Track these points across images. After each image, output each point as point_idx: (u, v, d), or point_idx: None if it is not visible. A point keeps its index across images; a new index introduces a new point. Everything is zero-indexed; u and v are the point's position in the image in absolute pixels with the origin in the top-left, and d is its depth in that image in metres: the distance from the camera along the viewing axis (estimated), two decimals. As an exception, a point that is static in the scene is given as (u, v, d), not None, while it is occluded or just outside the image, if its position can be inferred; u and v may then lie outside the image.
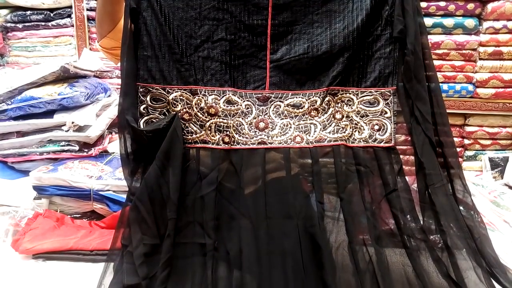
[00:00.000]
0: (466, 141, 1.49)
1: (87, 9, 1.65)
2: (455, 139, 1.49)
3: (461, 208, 0.81)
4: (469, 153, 1.50)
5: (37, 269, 0.90)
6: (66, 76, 1.38)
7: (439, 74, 1.42)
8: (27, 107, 1.25)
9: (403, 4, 0.80)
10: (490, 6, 1.38)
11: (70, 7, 1.66)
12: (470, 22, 1.40)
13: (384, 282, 0.72)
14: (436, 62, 1.42)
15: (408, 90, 0.81)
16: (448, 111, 1.43)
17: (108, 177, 1.12)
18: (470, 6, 1.39)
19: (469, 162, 1.49)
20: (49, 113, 1.28)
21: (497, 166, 1.42)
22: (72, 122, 1.25)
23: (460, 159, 1.50)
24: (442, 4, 1.39)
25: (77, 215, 1.12)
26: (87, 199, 1.11)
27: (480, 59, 1.42)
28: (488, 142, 1.48)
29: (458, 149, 1.49)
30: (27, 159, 1.26)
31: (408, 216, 0.80)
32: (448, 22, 1.40)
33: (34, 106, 1.26)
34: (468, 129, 1.48)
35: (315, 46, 0.82)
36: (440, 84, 1.42)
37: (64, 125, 1.27)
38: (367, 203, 0.80)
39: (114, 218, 1.04)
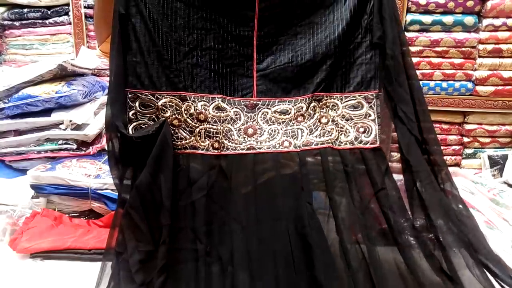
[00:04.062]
0: (465, 139, 1.49)
1: (85, 7, 1.64)
2: (455, 137, 1.48)
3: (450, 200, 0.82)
4: (468, 151, 1.49)
5: (35, 268, 0.90)
6: (63, 74, 1.37)
7: (438, 72, 1.42)
8: (24, 106, 1.24)
9: (381, 12, 0.83)
10: (489, 4, 1.37)
11: (68, 4, 1.64)
12: (469, 20, 1.39)
13: (377, 278, 0.72)
14: (435, 60, 1.42)
15: (390, 92, 0.84)
16: (447, 109, 1.45)
17: (106, 176, 1.12)
18: (470, 3, 1.39)
19: (468, 160, 1.49)
20: (46, 112, 1.27)
21: (496, 164, 1.41)
22: (70, 121, 1.25)
23: (459, 157, 1.50)
24: (442, 1, 1.39)
25: (75, 214, 1.12)
26: (85, 198, 1.10)
27: (480, 56, 1.42)
28: (487, 140, 1.48)
29: (457, 147, 1.49)
30: (24, 158, 1.26)
31: (398, 214, 0.81)
32: (448, 19, 1.40)
33: (32, 105, 1.25)
34: (467, 127, 1.47)
35: (299, 56, 0.85)
36: (440, 82, 1.43)
37: (62, 123, 1.26)
38: (356, 202, 0.82)
39: (112, 217, 1.04)
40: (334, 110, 0.87)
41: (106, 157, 1.28)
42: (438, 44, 1.40)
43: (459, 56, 1.42)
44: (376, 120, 0.87)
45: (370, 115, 0.87)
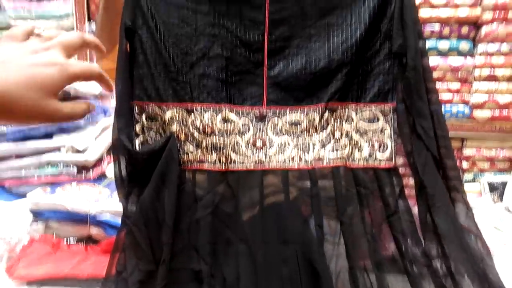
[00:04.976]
0: (465, 164, 1.49)
1: (89, 32, 1.68)
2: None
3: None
4: (467, 176, 1.49)
5: (31, 296, 0.89)
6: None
7: (435, 97, 1.44)
8: (26, 130, 1.26)
9: (402, 16, 0.77)
10: (483, 30, 1.40)
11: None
12: (464, 45, 1.42)
13: None
14: (432, 85, 1.44)
15: (409, 106, 0.79)
16: (445, 134, 1.46)
17: (106, 201, 1.12)
18: (464, 29, 1.42)
19: (467, 185, 1.49)
20: (48, 136, 1.29)
21: (496, 189, 1.41)
22: (71, 146, 1.26)
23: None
24: (437, 28, 1.42)
25: (73, 240, 1.11)
26: (84, 223, 1.10)
27: (476, 81, 1.44)
28: (486, 165, 1.48)
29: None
30: (24, 182, 1.26)
31: (410, 240, 0.78)
32: (443, 45, 1.43)
33: (34, 128, 1.26)
34: (465, 152, 1.48)
35: (313, 62, 0.80)
36: (437, 107, 1.45)
37: (63, 147, 1.27)
38: (367, 226, 0.78)
39: (110, 243, 1.03)
40: (348, 122, 0.82)
41: (106, 181, 1.28)
42: (434, 69, 1.43)
43: (455, 81, 1.44)
44: (392, 136, 0.81)
45: (386, 130, 0.81)
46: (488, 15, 1.40)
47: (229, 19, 0.78)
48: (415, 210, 0.82)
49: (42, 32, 0.48)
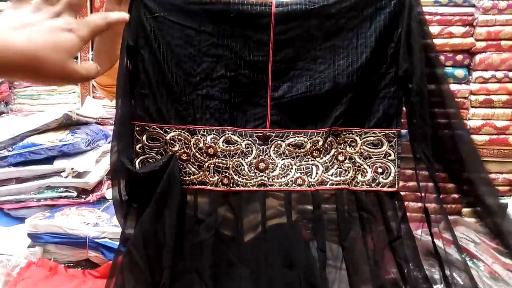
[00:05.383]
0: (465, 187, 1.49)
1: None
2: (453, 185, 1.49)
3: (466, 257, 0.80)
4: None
5: (26, 322, 0.87)
6: (68, 123, 1.40)
7: (433, 121, 1.46)
8: (27, 154, 1.26)
9: (409, 41, 0.76)
10: (478, 58, 1.44)
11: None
12: (459, 72, 1.46)
13: None
14: (430, 110, 1.46)
15: (413, 132, 0.80)
16: (444, 157, 1.47)
17: (105, 224, 1.11)
18: (459, 57, 1.46)
19: (469, 209, 1.48)
20: (49, 159, 1.29)
21: (497, 212, 1.40)
22: (72, 168, 1.26)
23: (460, 206, 1.49)
24: (432, 55, 1.46)
25: (71, 264, 1.09)
26: (82, 247, 1.08)
27: (472, 107, 1.46)
28: (486, 188, 1.48)
29: (457, 195, 1.49)
30: (24, 206, 1.25)
31: (412, 265, 0.78)
32: (439, 72, 1.46)
33: (35, 153, 1.27)
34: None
35: (318, 84, 0.79)
36: (435, 131, 1.46)
37: (64, 171, 1.27)
38: (369, 250, 0.78)
39: (108, 267, 1.01)
40: (352, 146, 0.81)
41: (105, 205, 1.28)
42: (431, 95, 1.46)
43: (452, 106, 1.47)
44: (396, 161, 0.81)
45: (389, 155, 0.81)
46: (481, 43, 1.44)
47: (233, 40, 0.77)
48: (416, 234, 0.82)
49: None
